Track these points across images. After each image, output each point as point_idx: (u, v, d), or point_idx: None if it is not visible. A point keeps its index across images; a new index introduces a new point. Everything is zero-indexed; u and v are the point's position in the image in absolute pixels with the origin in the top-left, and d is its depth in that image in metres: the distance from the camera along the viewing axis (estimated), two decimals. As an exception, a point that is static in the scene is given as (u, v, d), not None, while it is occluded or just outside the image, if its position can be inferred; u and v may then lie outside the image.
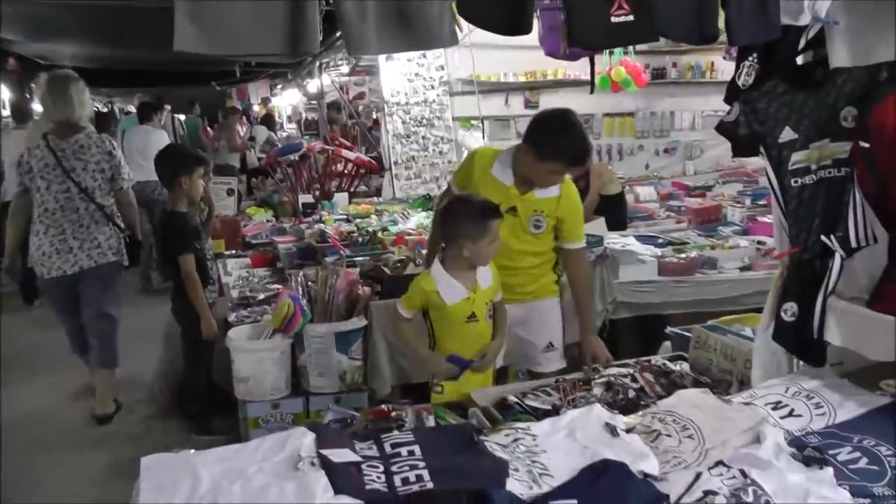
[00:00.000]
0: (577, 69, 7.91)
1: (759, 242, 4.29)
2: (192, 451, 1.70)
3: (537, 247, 3.12)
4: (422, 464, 1.62)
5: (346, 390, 3.36)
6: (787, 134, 2.00)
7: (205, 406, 3.99)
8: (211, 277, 4.07)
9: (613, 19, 1.62)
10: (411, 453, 1.68)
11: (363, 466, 1.61)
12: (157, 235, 4.24)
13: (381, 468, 1.61)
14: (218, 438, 3.80)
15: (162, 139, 7.71)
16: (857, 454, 1.64)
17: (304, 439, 1.69)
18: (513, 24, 1.54)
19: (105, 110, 12.22)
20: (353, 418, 2.18)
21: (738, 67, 2.09)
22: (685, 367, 2.53)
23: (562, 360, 3.21)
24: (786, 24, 1.91)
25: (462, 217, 2.73)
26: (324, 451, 1.63)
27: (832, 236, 1.91)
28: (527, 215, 3.04)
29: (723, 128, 2.13)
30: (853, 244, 1.88)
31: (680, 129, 8.44)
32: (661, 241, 4.52)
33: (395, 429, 2.02)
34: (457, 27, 1.58)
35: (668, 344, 3.05)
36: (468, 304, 2.75)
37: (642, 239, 4.45)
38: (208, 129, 12.40)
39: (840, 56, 1.90)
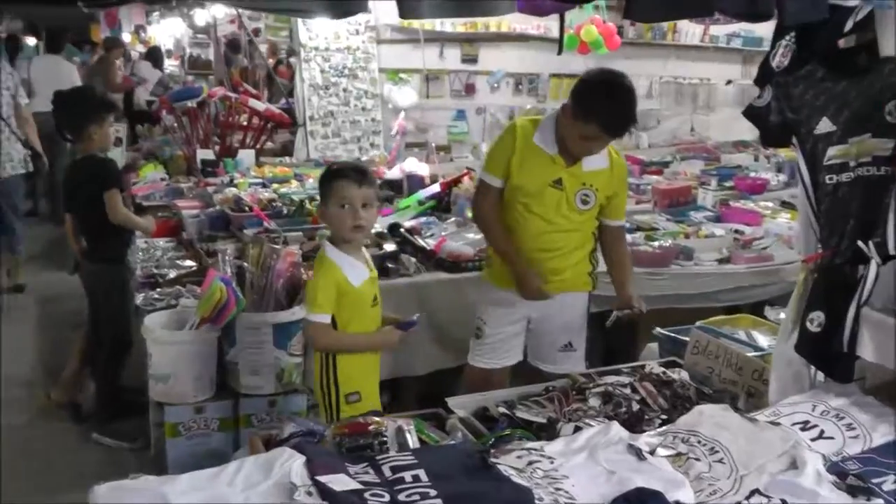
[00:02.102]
0: (524, 23, 7.92)
1: (736, 231, 4.45)
2: (154, 477, 1.64)
3: (580, 225, 3.12)
4: (433, 492, 1.62)
5: (283, 391, 3.29)
6: (825, 125, 2.07)
7: (114, 400, 3.89)
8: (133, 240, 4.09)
9: (669, -11, 1.63)
10: (416, 479, 1.67)
11: (366, 495, 1.59)
12: (67, 183, 4.03)
13: (387, 497, 1.60)
14: (122, 444, 3.68)
15: (71, 72, 8.28)
16: (902, 484, 1.75)
17: (293, 463, 1.66)
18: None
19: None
20: (319, 433, 2.14)
21: (773, 46, 2.15)
22: (684, 375, 2.61)
23: (580, 364, 3.18)
24: (833, 3, 1.98)
25: (321, 182, 2.73)
26: (320, 478, 1.61)
27: (869, 241, 2.00)
28: (574, 189, 3.05)
29: (752, 113, 2.20)
30: (892, 251, 1.97)
31: (635, 95, 8.60)
32: (627, 225, 4.62)
33: (376, 446, 2.00)
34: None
35: (654, 346, 3.15)
36: (371, 285, 2.76)
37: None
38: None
39: (890, 44, 1.98)
